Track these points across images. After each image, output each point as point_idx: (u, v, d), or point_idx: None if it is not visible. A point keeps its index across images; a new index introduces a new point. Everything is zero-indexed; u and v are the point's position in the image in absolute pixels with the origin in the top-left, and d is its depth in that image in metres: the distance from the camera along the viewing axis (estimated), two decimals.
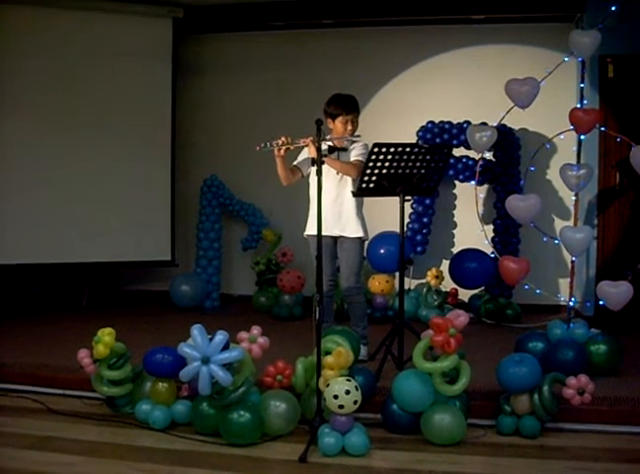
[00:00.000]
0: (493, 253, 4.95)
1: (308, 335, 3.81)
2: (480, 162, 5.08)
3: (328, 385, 3.28)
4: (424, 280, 5.86)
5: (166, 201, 6.30)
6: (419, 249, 5.98)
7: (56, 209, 5.88)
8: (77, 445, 3.34)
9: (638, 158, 4.19)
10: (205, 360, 3.24)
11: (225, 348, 3.31)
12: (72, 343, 4.18)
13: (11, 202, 5.72)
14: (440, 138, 5.94)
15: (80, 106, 5.91)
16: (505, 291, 5.80)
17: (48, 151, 5.84)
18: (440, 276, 5.75)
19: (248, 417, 3.32)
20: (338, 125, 4.20)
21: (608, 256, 5.52)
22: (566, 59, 4.43)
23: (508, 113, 4.57)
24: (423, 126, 6.00)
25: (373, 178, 3.91)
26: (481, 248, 5.57)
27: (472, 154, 5.77)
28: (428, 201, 5.97)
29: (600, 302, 4.19)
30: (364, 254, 4.76)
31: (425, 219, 5.99)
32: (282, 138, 3.94)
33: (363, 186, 3.95)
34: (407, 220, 5.94)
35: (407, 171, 3.94)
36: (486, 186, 6.06)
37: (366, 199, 4.28)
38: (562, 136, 4.58)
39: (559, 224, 5.74)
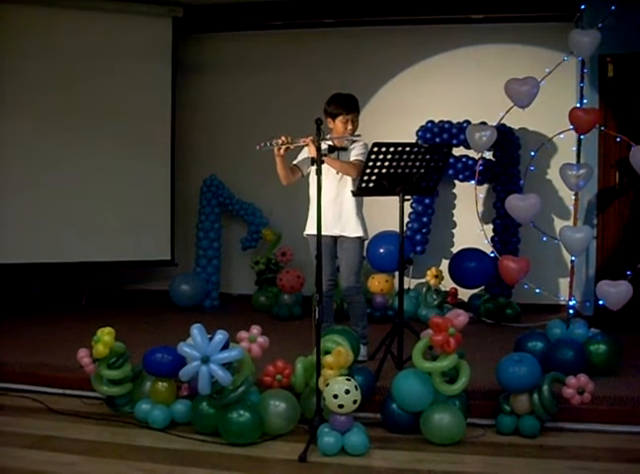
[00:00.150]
0: (492, 252, 4.95)
1: (308, 334, 3.81)
2: (480, 162, 5.08)
3: (328, 385, 3.28)
4: (423, 280, 5.87)
5: (166, 201, 6.31)
6: (418, 248, 5.98)
7: (56, 209, 5.88)
8: (77, 445, 3.35)
9: (638, 158, 4.19)
10: (205, 360, 3.24)
11: (225, 347, 3.31)
12: (72, 342, 4.17)
13: (11, 202, 5.72)
14: (440, 138, 5.94)
15: (80, 105, 5.91)
16: (504, 291, 5.81)
17: (48, 151, 5.85)
18: (439, 276, 5.75)
19: (248, 416, 3.33)
20: (338, 125, 4.20)
21: (608, 255, 5.52)
22: (566, 59, 4.43)
23: (507, 112, 4.57)
24: (422, 126, 6.00)
25: (373, 177, 3.91)
26: (481, 247, 5.57)
27: (472, 154, 5.77)
28: (427, 201, 5.97)
29: (600, 302, 4.19)
30: (364, 253, 4.75)
31: (424, 219, 5.99)
32: (282, 138, 3.93)
33: (363, 185, 3.95)
34: (407, 220, 5.94)
35: (407, 170, 3.94)
36: (486, 185, 6.06)
37: (366, 199, 4.28)
38: (562, 136, 4.58)
39: (559, 224, 5.74)
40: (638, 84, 5.46)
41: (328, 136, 4.02)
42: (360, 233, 4.23)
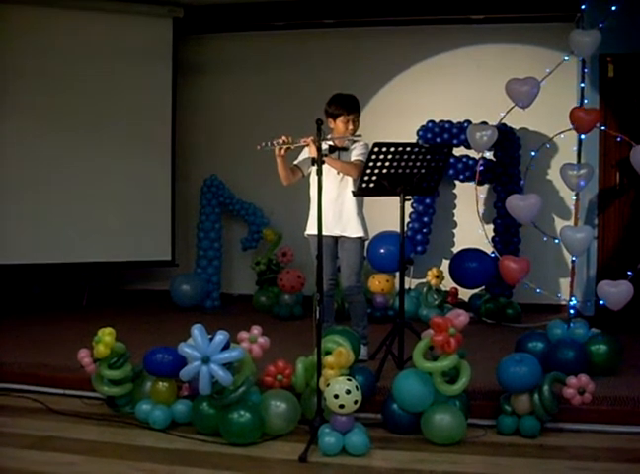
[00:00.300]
0: (493, 252, 4.95)
1: (308, 334, 3.82)
2: (480, 162, 5.07)
3: (328, 385, 3.28)
4: (424, 280, 5.86)
5: (166, 201, 6.31)
6: (419, 248, 5.98)
7: (56, 209, 5.89)
8: (77, 445, 3.34)
9: (638, 158, 4.19)
10: (206, 360, 3.24)
11: (225, 347, 3.31)
12: (72, 342, 4.17)
13: (11, 202, 5.73)
14: (441, 138, 5.94)
15: (80, 106, 5.92)
16: (505, 291, 5.80)
17: (49, 151, 5.85)
18: (440, 276, 5.75)
19: (248, 416, 3.32)
20: (339, 125, 4.20)
21: (609, 255, 5.52)
22: (566, 59, 4.42)
23: (508, 112, 4.56)
24: (423, 126, 6.00)
25: (374, 177, 3.91)
26: (481, 247, 5.57)
27: (472, 154, 5.77)
28: (428, 201, 5.97)
29: (601, 302, 4.19)
30: (365, 253, 4.75)
31: (425, 219, 5.99)
32: (283, 138, 3.94)
33: (364, 185, 3.95)
34: (407, 220, 5.94)
35: (407, 171, 3.94)
36: (486, 185, 6.06)
37: (367, 199, 4.28)
38: (562, 136, 4.58)
39: (559, 224, 5.75)
40: (638, 84, 5.46)
41: (329, 137, 4.03)
42: (360, 233, 4.23)
